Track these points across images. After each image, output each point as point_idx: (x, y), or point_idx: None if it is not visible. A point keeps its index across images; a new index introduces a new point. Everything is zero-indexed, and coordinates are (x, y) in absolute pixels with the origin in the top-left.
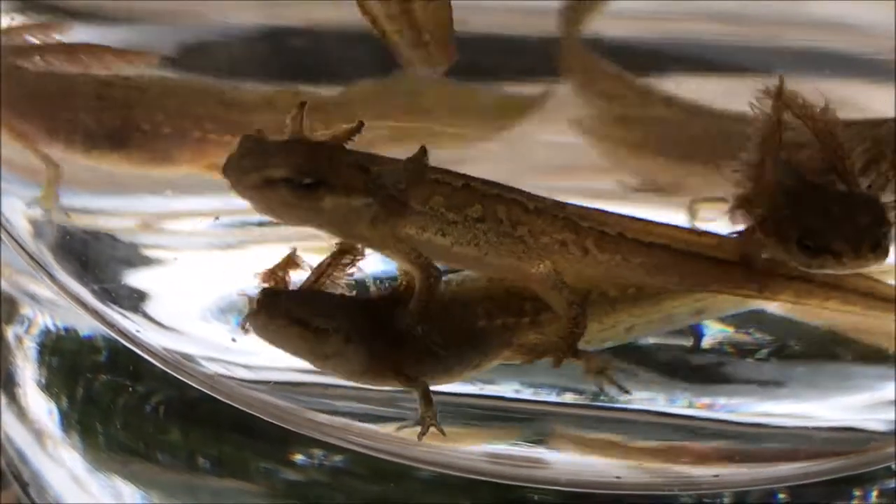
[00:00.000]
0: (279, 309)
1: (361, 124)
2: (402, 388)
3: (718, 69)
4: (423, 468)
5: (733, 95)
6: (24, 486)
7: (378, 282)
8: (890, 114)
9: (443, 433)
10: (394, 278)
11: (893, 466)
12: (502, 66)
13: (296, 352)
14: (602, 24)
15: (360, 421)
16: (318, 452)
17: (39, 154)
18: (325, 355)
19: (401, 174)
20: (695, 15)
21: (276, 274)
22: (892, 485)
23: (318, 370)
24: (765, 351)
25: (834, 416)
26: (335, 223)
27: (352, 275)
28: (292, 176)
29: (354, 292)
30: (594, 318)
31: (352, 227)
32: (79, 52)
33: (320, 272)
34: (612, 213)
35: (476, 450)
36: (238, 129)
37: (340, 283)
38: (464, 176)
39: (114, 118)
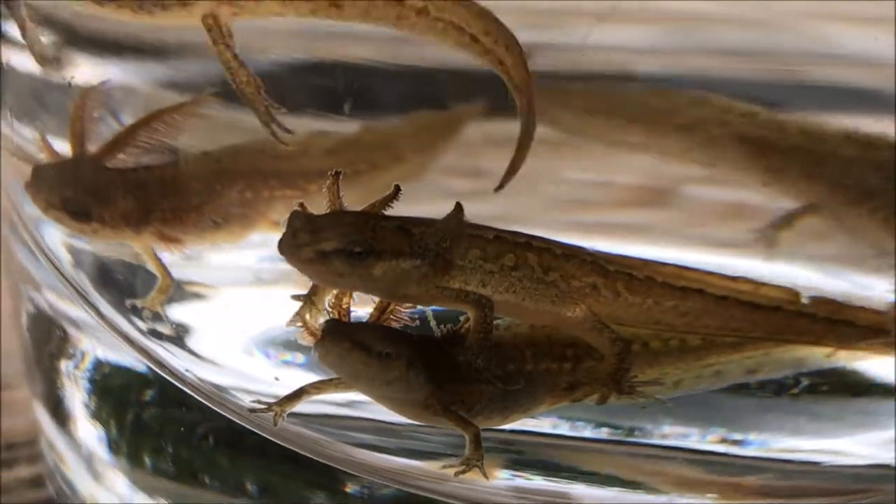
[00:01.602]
0: (343, 334)
1: (398, 189)
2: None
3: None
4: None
5: None
6: None
7: (439, 324)
8: None
9: (486, 476)
10: (455, 320)
11: None
12: None
13: (358, 377)
14: (628, 59)
15: (394, 455)
16: (366, 483)
17: (157, 265)
18: (386, 381)
19: (443, 233)
20: (718, 51)
21: (340, 306)
22: None
23: (368, 401)
24: (797, 389)
25: (863, 451)
26: (386, 287)
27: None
28: (343, 247)
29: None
30: (637, 368)
31: (402, 288)
32: (146, 128)
33: (382, 309)
34: (638, 258)
35: (502, 484)
36: (299, 182)
37: (402, 321)
38: (493, 229)
39: (199, 193)
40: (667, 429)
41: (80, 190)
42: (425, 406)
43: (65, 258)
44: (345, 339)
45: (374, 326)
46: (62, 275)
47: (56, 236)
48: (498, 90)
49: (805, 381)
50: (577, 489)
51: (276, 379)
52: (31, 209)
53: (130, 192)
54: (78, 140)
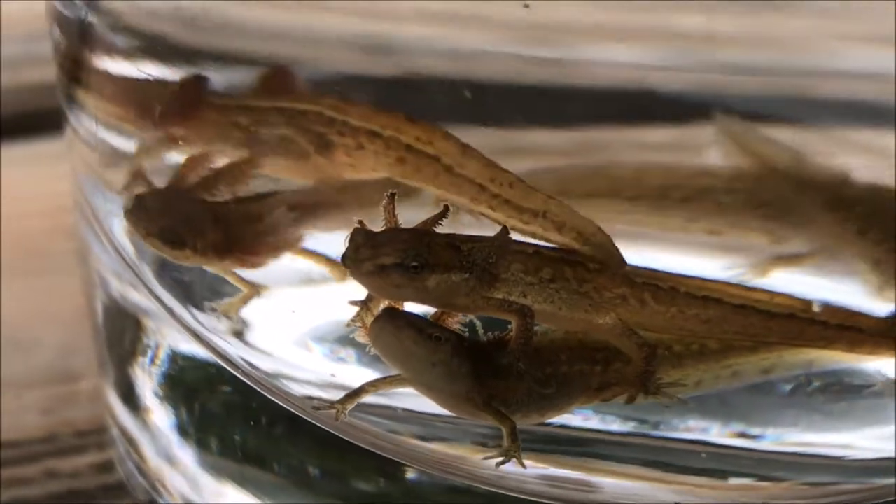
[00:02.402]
0: (399, 315)
1: (447, 208)
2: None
3: (753, 119)
4: (490, 489)
5: None
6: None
7: (486, 331)
8: None
9: (523, 465)
10: (502, 328)
11: None
12: None
13: (406, 356)
14: (640, 75)
15: (434, 444)
16: (423, 470)
17: (239, 281)
18: (432, 363)
19: (490, 249)
20: (727, 67)
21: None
22: None
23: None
24: (809, 388)
25: (871, 445)
26: (438, 297)
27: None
28: (401, 262)
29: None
30: (661, 370)
31: (452, 298)
32: (234, 168)
33: (436, 318)
34: (663, 271)
35: (535, 472)
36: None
37: (453, 327)
38: (532, 244)
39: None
40: (691, 423)
41: (176, 220)
42: (467, 399)
43: (130, 250)
44: (400, 318)
45: (428, 319)
46: (129, 266)
47: (121, 229)
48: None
49: (816, 382)
50: (603, 480)
51: (333, 375)
52: (99, 200)
53: (219, 224)
54: (182, 177)
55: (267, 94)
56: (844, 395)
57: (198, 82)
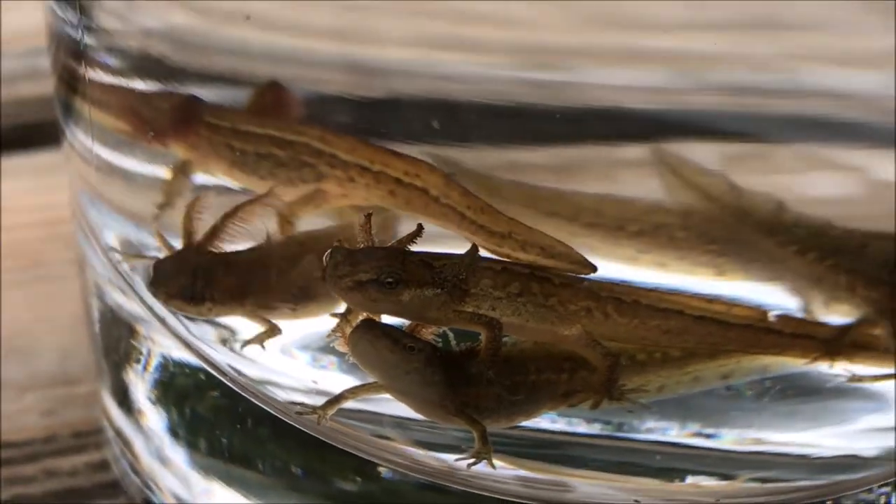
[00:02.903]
0: (376, 326)
1: (421, 228)
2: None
3: (717, 136)
4: (465, 489)
5: (731, 161)
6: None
7: (458, 342)
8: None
9: (493, 467)
10: (474, 339)
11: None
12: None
13: (382, 364)
14: (607, 95)
15: (411, 447)
16: (397, 468)
17: (264, 322)
18: (406, 371)
19: (460, 266)
20: (696, 87)
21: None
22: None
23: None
24: (764, 390)
25: (831, 443)
26: (412, 311)
27: (437, 334)
28: (377, 278)
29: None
30: (625, 377)
31: (425, 312)
32: (235, 217)
33: (411, 329)
34: (626, 284)
35: (509, 474)
36: None
37: (427, 337)
38: (501, 261)
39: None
40: (651, 424)
41: (192, 277)
42: (440, 405)
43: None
44: (376, 329)
45: (403, 330)
46: (122, 277)
47: (114, 241)
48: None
49: (770, 385)
50: (575, 480)
51: (315, 382)
52: (94, 213)
53: (231, 272)
54: (188, 235)
55: (260, 118)
56: (799, 396)
57: (193, 101)
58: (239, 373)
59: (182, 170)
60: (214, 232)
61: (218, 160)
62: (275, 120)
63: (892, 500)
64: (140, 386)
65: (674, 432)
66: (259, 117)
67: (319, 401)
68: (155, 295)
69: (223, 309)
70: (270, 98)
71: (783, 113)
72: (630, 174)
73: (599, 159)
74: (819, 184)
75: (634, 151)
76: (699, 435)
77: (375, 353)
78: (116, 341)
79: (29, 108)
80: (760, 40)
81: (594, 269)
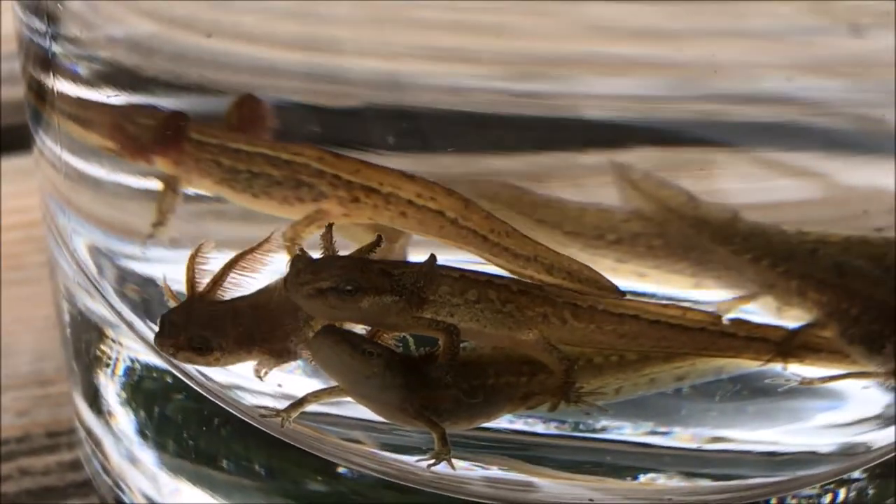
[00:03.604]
0: (336, 332)
1: (381, 238)
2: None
3: (677, 142)
4: (430, 490)
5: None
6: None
7: (418, 347)
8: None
9: (453, 468)
10: (433, 344)
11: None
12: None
13: (341, 369)
14: (572, 103)
15: (378, 449)
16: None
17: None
18: (366, 375)
19: (418, 274)
20: (661, 97)
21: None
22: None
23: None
24: (717, 390)
25: (788, 440)
26: (371, 317)
27: (398, 339)
28: (337, 285)
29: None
30: (583, 380)
31: (384, 318)
32: (236, 266)
33: (371, 335)
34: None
35: (474, 475)
36: None
37: (387, 343)
38: (459, 269)
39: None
40: (605, 422)
41: (199, 327)
42: (400, 408)
43: (92, 267)
44: (337, 335)
45: (363, 335)
46: (91, 282)
47: (83, 247)
48: None
49: (725, 385)
50: (538, 480)
51: (279, 385)
52: (63, 219)
53: (236, 320)
54: (191, 286)
55: (244, 133)
56: (754, 396)
57: (177, 117)
58: (205, 376)
59: (171, 186)
60: (217, 282)
61: (204, 176)
62: (268, 138)
63: (839, 497)
64: (110, 388)
65: (628, 431)
66: (247, 135)
67: (285, 404)
68: (161, 348)
69: (232, 358)
70: (247, 110)
71: (740, 120)
72: (594, 181)
73: (563, 167)
74: (773, 188)
75: (595, 159)
76: (654, 433)
77: (336, 358)
78: (87, 344)
79: (6, 110)
80: (718, 48)
81: (623, 294)
